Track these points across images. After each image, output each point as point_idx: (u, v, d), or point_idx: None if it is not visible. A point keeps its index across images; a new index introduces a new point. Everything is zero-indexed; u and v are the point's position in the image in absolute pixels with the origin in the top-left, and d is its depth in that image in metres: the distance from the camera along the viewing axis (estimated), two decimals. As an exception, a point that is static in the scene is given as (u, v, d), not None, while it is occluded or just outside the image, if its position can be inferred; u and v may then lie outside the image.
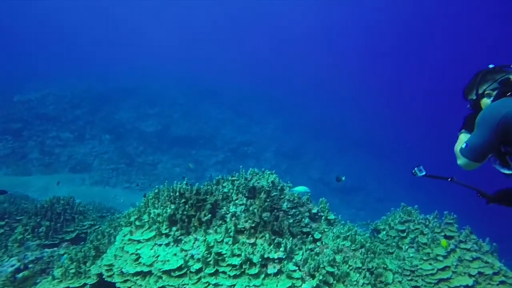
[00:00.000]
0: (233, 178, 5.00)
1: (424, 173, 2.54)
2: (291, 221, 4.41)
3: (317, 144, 28.40)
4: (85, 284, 3.95)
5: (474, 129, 2.08)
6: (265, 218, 3.87)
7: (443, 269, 4.52)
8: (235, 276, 3.12)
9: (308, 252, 3.60)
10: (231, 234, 3.47)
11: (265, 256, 3.31)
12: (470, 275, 4.40)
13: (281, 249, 3.42)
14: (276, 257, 3.33)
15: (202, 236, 3.53)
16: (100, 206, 10.43)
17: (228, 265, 3.20)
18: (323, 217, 4.92)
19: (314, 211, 4.93)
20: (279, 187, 4.91)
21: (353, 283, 3.63)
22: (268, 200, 4.40)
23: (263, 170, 5.38)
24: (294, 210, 4.69)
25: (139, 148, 19.78)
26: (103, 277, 3.74)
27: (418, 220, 5.42)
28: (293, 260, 3.38)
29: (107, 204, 11.75)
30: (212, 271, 3.14)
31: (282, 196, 4.80)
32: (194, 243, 3.48)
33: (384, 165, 29.54)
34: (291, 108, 34.68)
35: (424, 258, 4.81)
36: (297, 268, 3.29)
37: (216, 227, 3.64)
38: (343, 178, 6.84)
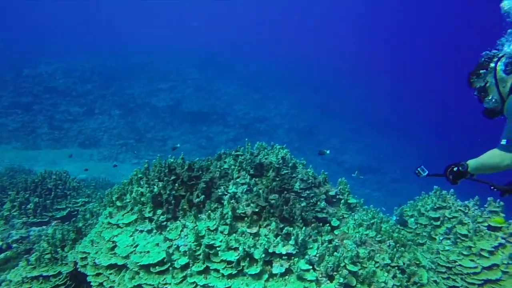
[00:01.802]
0: (237, 153, 4.24)
1: (427, 173, 2.62)
2: (303, 204, 3.65)
3: (331, 124, 27.32)
4: (60, 273, 3.38)
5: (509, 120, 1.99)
6: (272, 201, 3.12)
7: (489, 267, 3.70)
8: (230, 276, 2.41)
9: (325, 245, 2.86)
10: (228, 221, 2.75)
11: (270, 250, 2.58)
12: (526, 277, 3.57)
13: (291, 241, 2.68)
14: (284, 252, 2.60)
15: (192, 222, 2.82)
16: (104, 182, 10.02)
17: (222, 261, 2.50)
18: (343, 201, 4.14)
19: (332, 193, 4.14)
20: (290, 164, 4.11)
21: (381, 286, 2.89)
22: (277, 179, 3.64)
23: (272, 145, 4.58)
24: (308, 192, 3.91)
25: (149, 123, 19.28)
26: (77, 266, 3.15)
27: (455, 207, 4.55)
28: (306, 256, 2.64)
29: (113, 179, 11.37)
30: (201, 269, 2.45)
31: (294, 175, 4.01)
32: (181, 231, 2.78)
33: (399, 147, 28.41)
34: (305, 87, 33.41)
35: (464, 252, 3.98)
36: (311, 267, 2.56)
37: (209, 211, 2.91)
38: (328, 152, 6.29)
